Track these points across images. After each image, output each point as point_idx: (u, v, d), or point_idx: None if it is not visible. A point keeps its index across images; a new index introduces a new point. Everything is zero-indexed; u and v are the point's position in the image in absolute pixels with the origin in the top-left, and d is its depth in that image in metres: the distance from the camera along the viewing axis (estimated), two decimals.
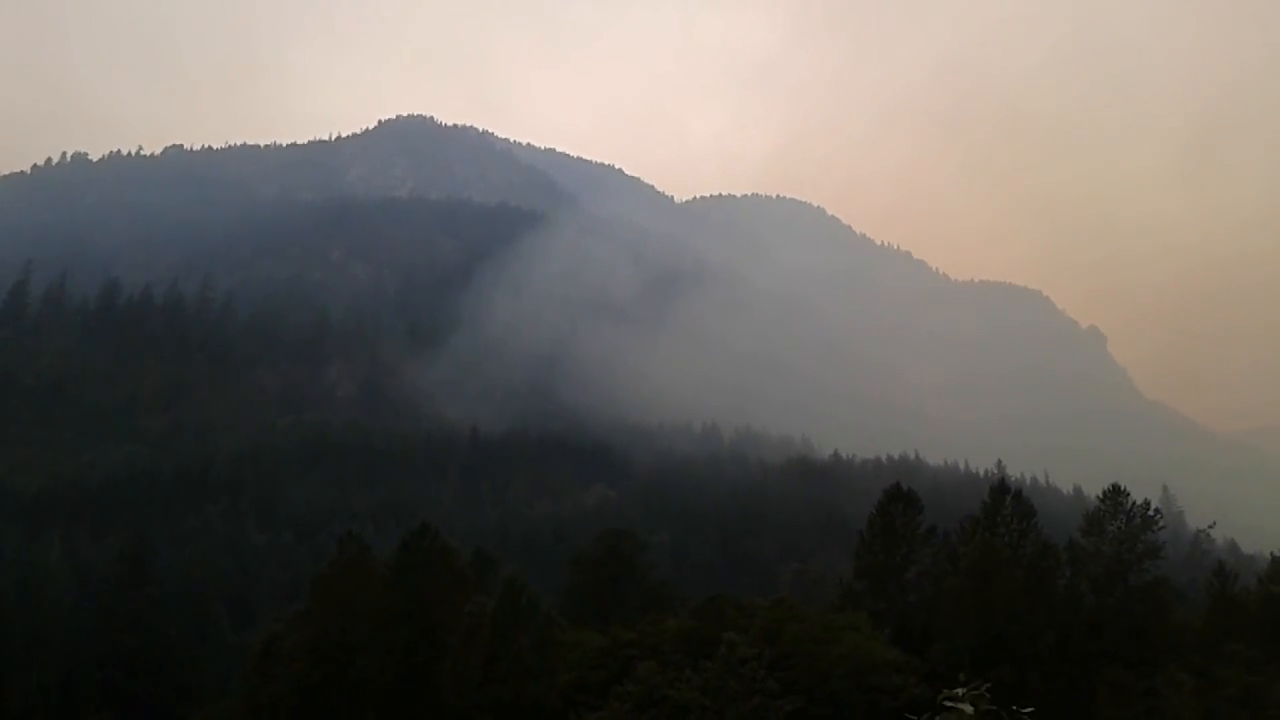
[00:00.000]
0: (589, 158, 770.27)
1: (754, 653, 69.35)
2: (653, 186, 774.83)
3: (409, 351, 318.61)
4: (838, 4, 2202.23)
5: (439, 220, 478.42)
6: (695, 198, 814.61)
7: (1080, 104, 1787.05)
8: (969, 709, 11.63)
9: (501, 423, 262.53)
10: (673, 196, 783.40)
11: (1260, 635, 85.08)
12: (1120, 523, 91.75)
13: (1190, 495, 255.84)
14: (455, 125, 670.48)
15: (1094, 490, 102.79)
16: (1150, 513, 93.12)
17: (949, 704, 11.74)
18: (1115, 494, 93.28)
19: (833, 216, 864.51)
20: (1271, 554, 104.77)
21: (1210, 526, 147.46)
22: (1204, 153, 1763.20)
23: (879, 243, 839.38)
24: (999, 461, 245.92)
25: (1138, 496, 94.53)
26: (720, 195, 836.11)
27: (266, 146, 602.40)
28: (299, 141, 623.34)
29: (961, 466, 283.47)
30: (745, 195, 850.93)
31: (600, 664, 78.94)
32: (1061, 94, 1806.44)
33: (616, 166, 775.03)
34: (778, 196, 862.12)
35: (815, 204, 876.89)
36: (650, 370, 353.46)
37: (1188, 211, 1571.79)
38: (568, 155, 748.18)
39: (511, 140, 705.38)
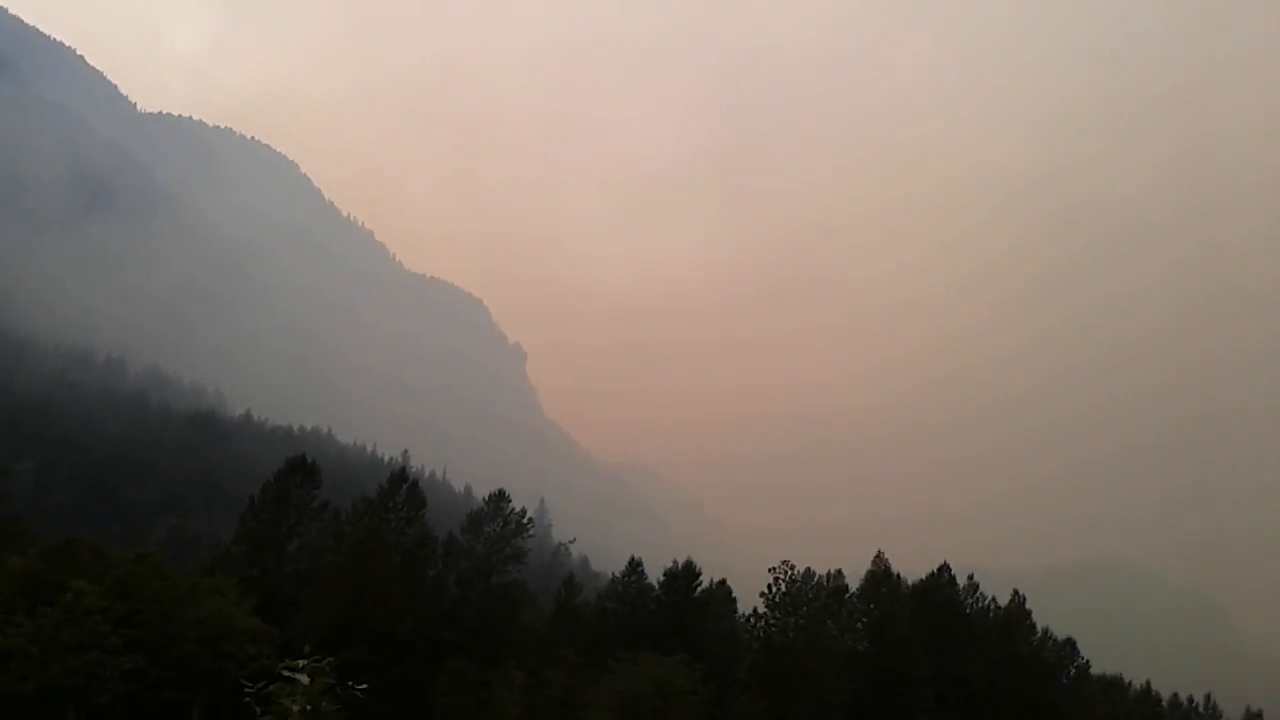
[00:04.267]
0: (45, 30, 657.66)
1: (103, 605, 65.16)
2: (116, 86, 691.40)
3: None
4: None
5: None
6: (162, 112, 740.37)
7: (540, 154, 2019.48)
8: (306, 679, 12.69)
9: None
10: (136, 103, 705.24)
11: (588, 643, 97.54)
12: (497, 525, 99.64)
13: (562, 511, 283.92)
14: None
15: (484, 492, 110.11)
16: (524, 520, 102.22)
17: (287, 673, 12.71)
18: (499, 499, 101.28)
19: (305, 174, 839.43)
20: (613, 574, 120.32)
21: (571, 541, 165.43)
22: (636, 215, 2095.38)
23: (345, 214, 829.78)
24: (405, 451, 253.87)
25: (519, 505, 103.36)
26: (191, 119, 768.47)
27: None
28: None
29: (370, 449, 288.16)
30: (218, 126, 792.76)
31: None
32: (528, 142, 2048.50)
33: (78, 52, 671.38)
34: (253, 138, 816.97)
35: (290, 157, 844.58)
36: (61, 282, 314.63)
37: (617, 261, 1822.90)
38: (20, 20, 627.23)
39: None
